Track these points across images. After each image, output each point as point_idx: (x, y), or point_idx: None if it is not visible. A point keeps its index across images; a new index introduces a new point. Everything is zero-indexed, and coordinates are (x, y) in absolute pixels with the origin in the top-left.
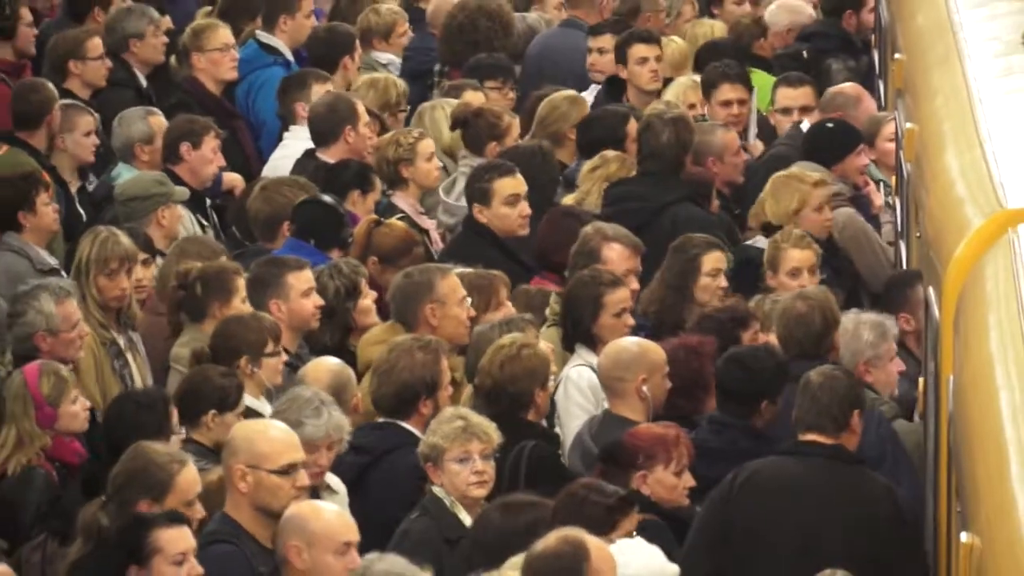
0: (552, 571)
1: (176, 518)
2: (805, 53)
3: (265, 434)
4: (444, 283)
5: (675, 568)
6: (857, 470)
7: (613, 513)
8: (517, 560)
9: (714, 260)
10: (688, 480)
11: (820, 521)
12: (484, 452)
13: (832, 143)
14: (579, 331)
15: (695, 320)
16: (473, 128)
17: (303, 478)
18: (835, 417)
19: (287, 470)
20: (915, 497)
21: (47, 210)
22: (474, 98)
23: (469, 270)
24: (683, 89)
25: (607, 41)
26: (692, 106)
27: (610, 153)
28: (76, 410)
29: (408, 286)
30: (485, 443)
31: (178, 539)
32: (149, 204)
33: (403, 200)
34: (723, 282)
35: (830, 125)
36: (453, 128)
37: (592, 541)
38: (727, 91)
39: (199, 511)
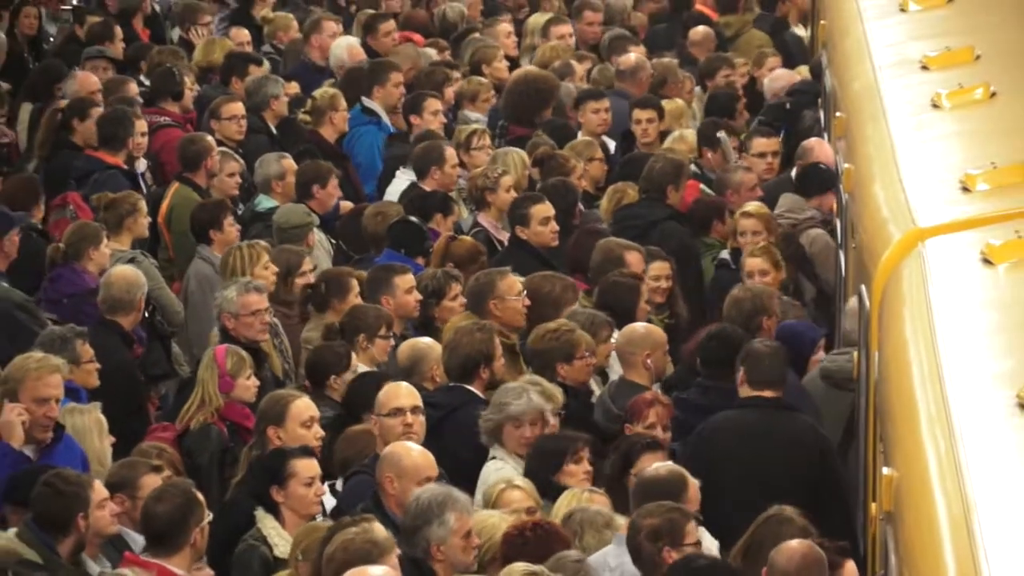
0: (661, 491)
1: (308, 452)
2: (788, 104)
3: (387, 389)
4: (503, 283)
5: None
6: (791, 415)
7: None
8: None
9: (656, 268)
10: (656, 435)
11: (766, 455)
12: (554, 410)
13: (814, 182)
14: (625, 314)
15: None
16: (548, 167)
17: (409, 418)
18: (778, 376)
19: (393, 413)
20: None
21: (231, 229)
22: (545, 150)
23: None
24: (674, 142)
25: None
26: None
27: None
28: (248, 384)
29: (477, 287)
30: (554, 403)
31: (309, 467)
32: (304, 230)
33: (485, 219)
34: (664, 284)
35: (820, 167)
36: (534, 165)
37: (690, 476)
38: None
39: (317, 431)
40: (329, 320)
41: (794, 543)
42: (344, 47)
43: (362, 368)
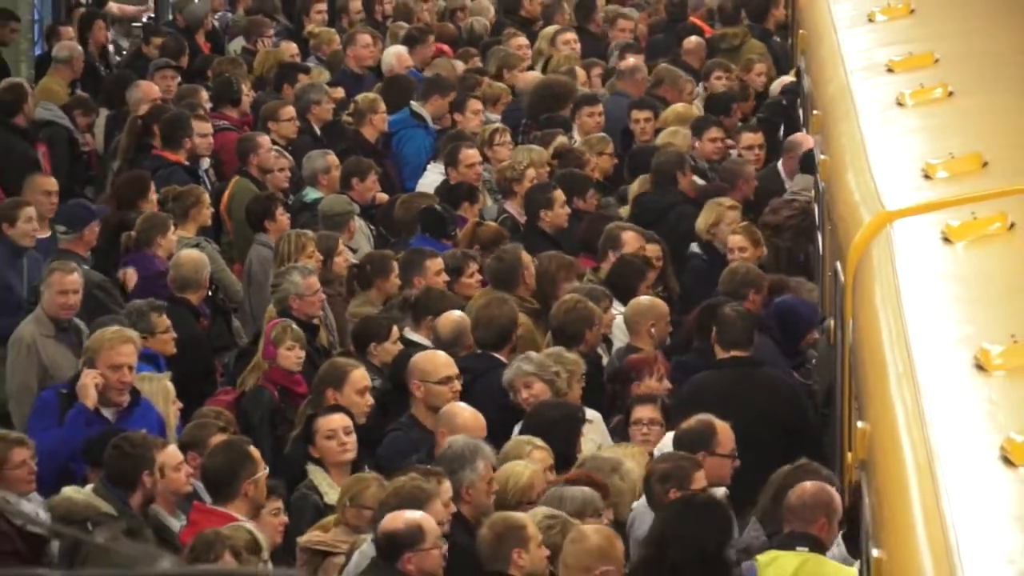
0: (693, 440)
1: (336, 409)
2: (784, 100)
3: (429, 359)
4: (525, 257)
5: None
6: (763, 371)
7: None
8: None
9: (648, 250)
10: (666, 385)
11: (748, 409)
12: (578, 377)
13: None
14: (628, 290)
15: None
16: (566, 160)
17: (457, 386)
18: (749, 337)
19: (444, 381)
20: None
21: (283, 218)
22: (562, 142)
23: (555, 253)
24: (668, 136)
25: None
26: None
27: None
28: (289, 355)
29: (507, 264)
30: (576, 369)
31: (332, 421)
32: (345, 217)
33: (511, 206)
34: (655, 264)
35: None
36: (554, 158)
37: (718, 421)
38: (714, 132)
39: (368, 400)
40: (372, 296)
41: (808, 484)
42: (393, 54)
43: (422, 340)
